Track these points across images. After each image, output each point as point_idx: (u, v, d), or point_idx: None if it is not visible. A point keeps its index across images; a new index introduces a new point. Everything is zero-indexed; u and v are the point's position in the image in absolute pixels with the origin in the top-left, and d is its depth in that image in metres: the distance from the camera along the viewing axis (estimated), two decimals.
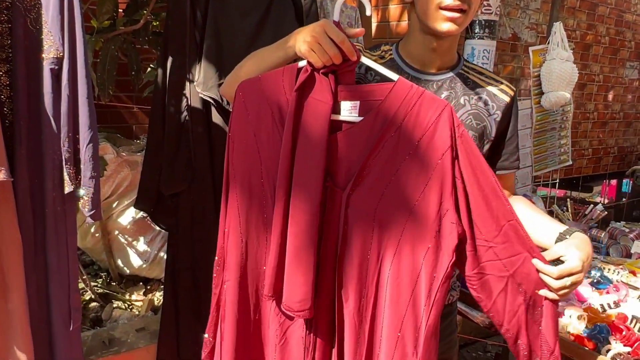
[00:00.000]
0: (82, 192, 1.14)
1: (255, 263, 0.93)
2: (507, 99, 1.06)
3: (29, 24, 1.06)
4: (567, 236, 0.93)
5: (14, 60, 1.05)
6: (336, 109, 0.87)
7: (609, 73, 4.35)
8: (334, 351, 0.91)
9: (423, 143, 0.84)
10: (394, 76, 0.88)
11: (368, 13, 0.91)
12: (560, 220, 2.36)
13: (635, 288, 1.67)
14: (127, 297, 2.14)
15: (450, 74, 1.05)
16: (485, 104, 1.05)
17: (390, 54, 1.06)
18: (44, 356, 1.17)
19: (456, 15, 0.93)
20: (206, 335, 0.99)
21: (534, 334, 0.90)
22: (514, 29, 3.36)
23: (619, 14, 4.24)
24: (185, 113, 1.49)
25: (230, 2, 1.46)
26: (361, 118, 0.87)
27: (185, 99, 1.49)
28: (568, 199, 2.73)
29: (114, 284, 2.20)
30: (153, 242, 2.12)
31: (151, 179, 1.53)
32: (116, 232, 2.11)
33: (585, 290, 1.65)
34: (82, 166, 1.13)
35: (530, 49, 2.45)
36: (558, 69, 2.34)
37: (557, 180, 2.98)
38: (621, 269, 1.83)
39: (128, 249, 2.13)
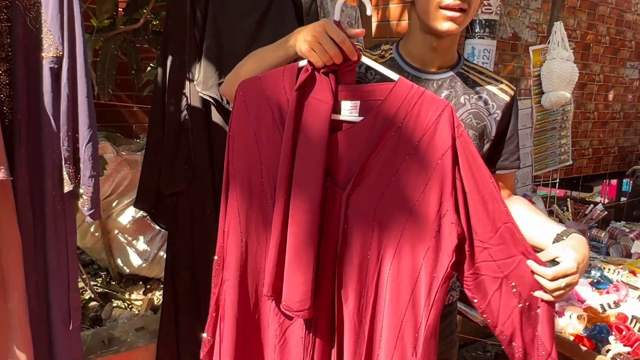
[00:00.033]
0: (81, 191, 1.14)
1: (255, 263, 0.93)
2: (507, 98, 1.06)
3: (28, 22, 1.05)
4: (565, 237, 0.93)
5: (13, 59, 1.05)
6: (336, 109, 0.87)
7: (609, 73, 4.34)
8: (334, 351, 0.91)
9: (423, 143, 0.84)
10: (394, 76, 0.88)
11: (369, 13, 0.91)
12: (560, 220, 2.37)
13: (635, 288, 1.67)
14: (126, 296, 2.14)
15: (451, 73, 1.05)
16: (486, 103, 1.05)
17: (391, 53, 1.06)
18: (44, 355, 1.17)
19: (456, 14, 0.93)
20: (205, 335, 0.99)
21: (529, 336, 0.89)
22: (514, 28, 3.36)
23: (620, 14, 4.24)
24: (185, 112, 1.49)
25: (230, 1, 1.46)
26: (361, 118, 0.87)
27: (185, 98, 1.48)
28: (568, 199, 2.73)
29: (114, 283, 2.20)
30: (153, 241, 2.12)
31: (151, 178, 1.53)
32: (116, 232, 2.11)
33: (585, 290, 1.65)
34: (81, 165, 1.12)
35: (531, 48, 2.45)
36: (558, 69, 2.33)
37: (557, 180, 2.98)
38: (621, 268, 1.83)
39: (128, 248, 2.13)
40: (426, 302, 0.85)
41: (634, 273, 1.79)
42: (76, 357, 1.22)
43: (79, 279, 1.94)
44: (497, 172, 1.09)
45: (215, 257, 0.97)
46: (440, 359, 0.93)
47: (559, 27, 2.36)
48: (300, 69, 0.87)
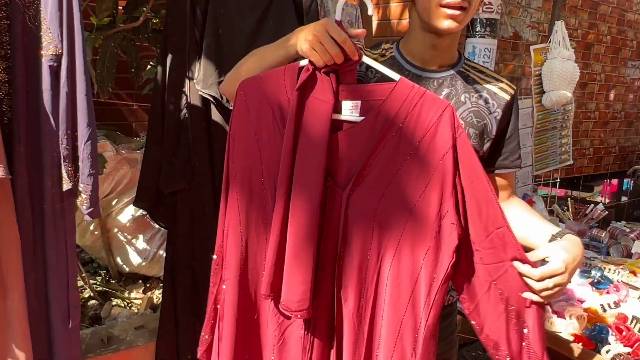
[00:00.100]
0: (80, 189, 1.14)
1: (254, 262, 0.93)
2: (507, 97, 1.06)
3: (27, 20, 1.05)
4: (559, 238, 0.93)
5: (12, 57, 1.05)
6: (337, 109, 0.87)
7: (610, 72, 4.34)
8: (333, 352, 0.91)
9: (424, 143, 0.83)
10: (395, 75, 0.87)
11: (370, 12, 0.91)
12: (561, 220, 2.36)
13: (636, 288, 1.67)
14: (126, 295, 2.14)
15: (451, 72, 1.05)
16: (486, 102, 1.05)
17: (391, 52, 1.06)
18: (43, 354, 1.17)
19: (456, 12, 0.93)
20: (203, 333, 0.99)
21: (515, 343, 0.88)
22: (515, 27, 3.35)
23: (621, 13, 4.23)
24: (184, 111, 1.49)
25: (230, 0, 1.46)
26: (362, 118, 0.87)
27: (184, 97, 1.48)
28: (569, 199, 2.73)
29: (113, 281, 2.20)
30: (152, 240, 2.11)
31: (151, 176, 1.53)
32: (115, 230, 2.11)
33: (585, 290, 1.65)
34: (80, 163, 1.12)
35: (532, 47, 2.44)
36: (559, 68, 2.33)
37: (558, 180, 2.98)
38: (622, 269, 1.82)
39: (127, 246, 2.13)
40: (426, 303, 0.84)
41: (634, 273, 1.79)
42: (75, 356, 1.22)
43: (79, 278, 1.94)
44: (497, 171, 1.09)
45: (214, 256, 0.96)
46: (440, 359, 0.93)
47: (560, 27, 2.36)
48: (301, 68, 0.87)
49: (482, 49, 2.12)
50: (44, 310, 1.16)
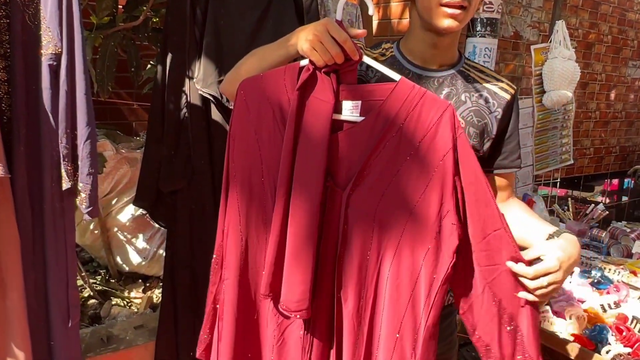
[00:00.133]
0: (79, 188, 1.13)
1: (254, 262, 0.93)
2: (508, 96, 1.06)
3: (27, 19, 1.05)
4: (556, 237, 0.92)
5: (12, 56, 1.05)
6: (338, 109, 0.87)
7: (611, 72, 4.33)
8: (332, 352, 0.91)
9: (424, 144, 0.83)
10: (395, 76, 0.87)
11: (370, 12, 0.91)
12: (561, 220, 2.36)
13: (636, 288, 1.66)
14: (126, 294, 2.14)
15: (452, 71, 1.05)
16: (486, 101, 1.05)
17: (392, 52, 1.06)
18: (43, 353, 1.17)
19: (457, 11, 0.93)
20: (202, 333, 0.99)
21: (508, 348, 0.87)
22: (516, 27, 3.35)
23: (622, 13, 4.22)
24: (184, 110, 1.49)
25: None
26: (362, 118, 0.86)
27: (184, 96, 1.48)
28: (569, 199, 2.72)
29: (113, 281, 2.20)
30: (152, 239, 2.11)
31: (150, 176, 1.52)
32: (115, 229, 2.10)
33: (585, 290, 1.65)
34: (79, 163, 1.12)
35: (532, 47, 2.44)
36: (560, 68, 2.32)
37: (559, 180, 2.98)
38: (622, 269, 1.82)
39: (127, 246, 2.13)
40: (426, 303, 0.84)
41: (634, 273, 1.79)
42: (75, 355, 1.22)
43: (78, 277, 1.94)
44: (496, 171, 1.08)
45: (214, 256, 0.96)
46: (440, 359, 0.92)
47: (561, 26, 2.35)
48: (301, 68, 0.87)
49: (482, 49, 2.12)
50: (43, 310, 1.16)
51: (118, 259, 2.17)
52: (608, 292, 1.63)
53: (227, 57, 1.42)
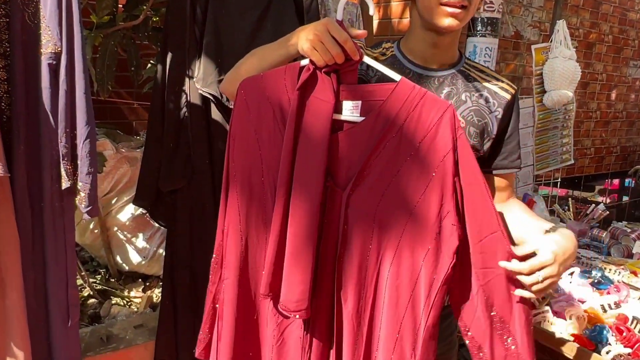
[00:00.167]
0: (78, 188, 1.13)
1: (254, 261, 0.93)
2: (508, 96, 1.06)
3: (27, 18, 1.05)
4: (552, 232, 0.91)
5: (11, 55, 1.05)
6: (338, 109, 0.87)
7: (612, 72, 4.33)
8: (332, 352, 0.91)
9: (425, 144, 0.83)
10: (396, 76, 0.87)
11: (371, 12, 0.91)
12: (562, 220, 2.36)
13: (636, 289, 1.66)
14: (125, 293, 2.14)
15: (452, 71, 1.05)
16: (487, 101, 1.05)
17: (392, 51, 1.06)
18: (42, 353, 1.17)
19: (457, 10, 0.93)
20: (201, 332, 0.99)
21: (499, 350, 0.87)
22: (516, 26, 3.34)
23: (623, 13, 4.22)
24: (184, 109, 1.48)
25: None
26: (363, 118, 0.86)
27: (184, 95, 1.48)
28: (570, 199, 2.72)
29: (113, 280, 2.20)
30: (152, 238, 2.11)
31: (150, 175, 1.52)
32: (115, 229, 2.10)
33: (585, 290, 1.64)
34: (79, 162, 1.12)
35: (533, 47, 2.44)
36: (561, 68, 2.32)
37: (559, 180, 2.97)
38: (622, 269, 1.82)
39: (127, 245, 2.12)
40: (425, 304, 0.84)
41: (635, 273, 1.78)
42: (74, 355, 1.21)
43: (78, 276, 1.94)
44: (495, 171, 1.08)
45: (214, 255, 0.96)
46: None
47: (561, 26, 2.35)
48: (301, 68, 0.87)
49: (483, 48, 2.12)
50: (43, 309, 1.16)
51: (118, 259, 2.17)
52: (608, 293, 1.62)
53: (227, 57, 1.42)
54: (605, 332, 1.40)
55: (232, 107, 0.95)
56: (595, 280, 1.72)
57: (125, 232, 2.11)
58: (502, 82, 1.07)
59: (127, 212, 2.08)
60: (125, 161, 2.02)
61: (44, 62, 1.06)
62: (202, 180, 1.52)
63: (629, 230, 2.24)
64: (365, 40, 1.00)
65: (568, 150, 2.66)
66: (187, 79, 1.47)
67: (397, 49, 1.06)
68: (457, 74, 1.04)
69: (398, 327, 0.85)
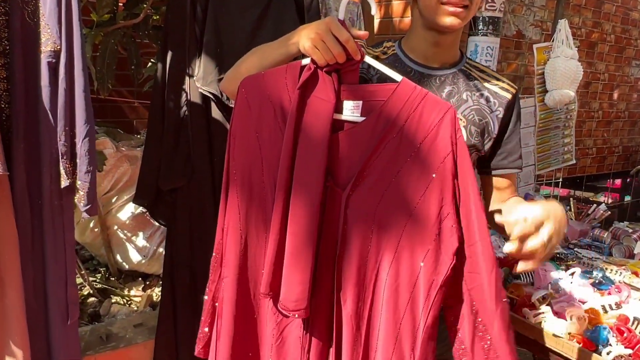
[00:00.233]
0: (77, 186, 1.13)
1: (254, 261, 0.93)
2: (509, 96, 1.06)
3: (26, 16, 1.05)
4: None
5: (11, 53, 1.05)
6: (338, 108, 0.86)
7: (614, 71, 4.31)
8: (332, 352, 0.91)
9: (425, 145, 0.83)
10: (397, 76, 0.87)
11: (373, 12, 0.91)
12: None
13: (637, 289, 1.65)
14: (125, 292, 2.14)
15: (453, 70, 1.05)
16: (487, 100, 1.05)
17: (393, 50, 1.06)
18: (41, 351, 1.17)
19: (458, 9, 0.93)
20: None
21: (479, 353, 0.86)
22: (518, 26, 3.33)
23: (625, 12, 4.20)
24: (184, 108, 1.48)
25: None
26: (363, 118, 0.86)
27: (184, 94, 1.48)
28: (571, 199, 2.71)
29: (113, 279, 2.20)
30: (152, 237, 2.11)
31: (150, 174, 1.52)
32: (115, 227, 2.10)
33: (586, 291, 1.64)
34: (78, 160, 1.12)
35: (535, 46, 2.43)
36: (562, 67, 2.31)
37: (561, 179, 2.97)
38: (623, 269, 1.81)
39: (127, 244, 2.12)
40: (425, 304, 0.84)
41: (636, 274, 1.77)
42: (74, 353, 1.21)
43: (78, 275, 1.94)
44: (495, 171, 1.08)
45: (214, 254, 0.96)
46: None
47: (563, 25, 2.34)
48: (302, 67, 0.87)
49: (484, 48, 2.11)
50: (42, 308, 1.16)
51: (118, 257, 2.17)
52: (609, 293, 1.62)
53: (227, 55, 1.42)
54: (606, 332, 1.40)
55: (232, 105, 0.95)
56: (596, 281, 1.72)
57: (126, 231, 2.11)
58: (503, 82, 1.07)
59: (127, 210, 2.08)
60: (126, 160, 2.02)
61: (44, 60, 1.06)
62: (202, 179, 1.52)
63: (630, 230, 2.24)
64: (366, 40, 1.00)
65: (570, 150, 2.66)
66: (187, 78, 1.47)
67: (398, 48, 1.06)
68: (458, 73, 1.04)
69: (397, 328, 0.85)
